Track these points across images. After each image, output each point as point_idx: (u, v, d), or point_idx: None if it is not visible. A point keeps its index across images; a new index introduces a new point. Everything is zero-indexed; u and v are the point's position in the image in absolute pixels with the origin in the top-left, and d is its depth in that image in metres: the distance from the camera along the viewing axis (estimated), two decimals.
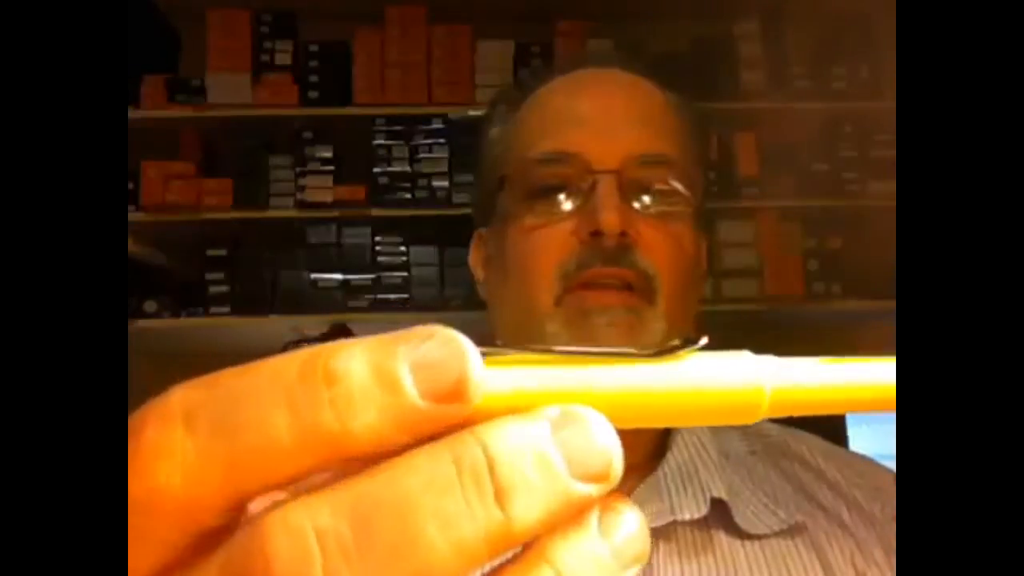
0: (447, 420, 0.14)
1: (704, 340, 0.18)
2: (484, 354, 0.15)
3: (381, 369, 0.14)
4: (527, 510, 0.14)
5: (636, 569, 0.15)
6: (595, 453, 0.15)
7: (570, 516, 0.15)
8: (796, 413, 0.19)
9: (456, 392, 0.14)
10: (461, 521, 0.14)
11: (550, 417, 0.15)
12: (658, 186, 0.55)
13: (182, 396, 0.14)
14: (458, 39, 1.82)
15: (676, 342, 0.18)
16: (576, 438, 0.15)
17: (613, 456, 0.15)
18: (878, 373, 0.19)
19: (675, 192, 0.55)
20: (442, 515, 0.13)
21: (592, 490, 0.15)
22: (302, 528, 0.13)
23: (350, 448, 0.14)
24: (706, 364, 0.18)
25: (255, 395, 0.14)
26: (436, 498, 0.14)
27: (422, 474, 0.14)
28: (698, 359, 0.18)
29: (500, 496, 0.14)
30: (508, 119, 0.62)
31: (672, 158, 0.56)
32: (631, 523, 0.15)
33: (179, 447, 0.14)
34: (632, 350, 0.18)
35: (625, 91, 0.59)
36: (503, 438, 0.14)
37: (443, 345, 0.14)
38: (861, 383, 0.19)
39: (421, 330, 0.15)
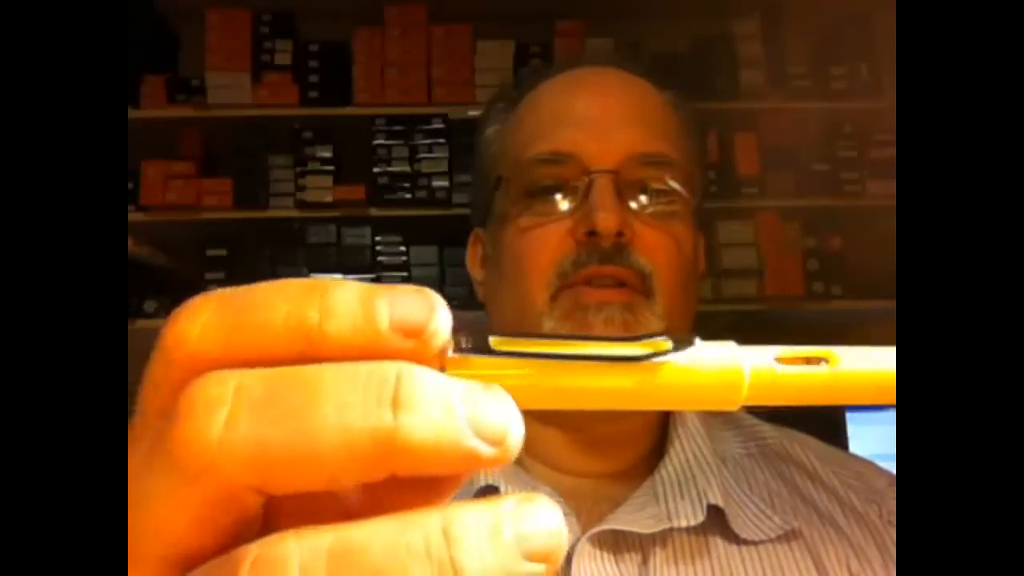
0: (404, 353, 0.17)
1: (697, 339, 0.19)
2: (489, 335, 0.17)
3: (365, 298, 0.17)
4: (415, 427, 0.16)
5: (542, 568, 0.16)
6: (496, 419, 0.16)
7: (453, 460, 0.16)
8: (778, 400, 0.19)
9: (416, 331, 0.17)
10: (355, 409, 0.16)
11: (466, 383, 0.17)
12: (655, 185, 0.55)
13: (214, 292, 0.17)
14: (458, 39, 1.82)
15: (661, 333, 0.19)
16: (486, 404, 0.16)
17: (510, 427, 0.16)
18: (864, 362, 0.19)
19: (672, 191, 0.55)
20: (340, 402, 0.16)
21: (488, 450, 0.16)
22: (226, 379, 0.16)
23: (321, 344, 0.16)
24: (688, 348, 0.18)
25: (268, 291, 0.17)
26: (341, 388, 0.16)
27: (342, 371, 0.16)
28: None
29: (395, 405, 0.16)
30: (505, 118, 0.62)
31: (669, 157, 0.56)
32: (547, 519, 0.16)
33: (201, 313, 0.17)
34: (620, 336, 0.18)
35: (622, 90, 0.59)
36: (419, 370, 0.16)
37: (420, 296, 0.17)
38: (845, 371, 0.19)
39: (410, 287, 0.17)
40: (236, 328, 0.17)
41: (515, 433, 0.16)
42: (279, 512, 0.18)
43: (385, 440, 0.15)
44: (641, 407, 0.18)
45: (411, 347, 0.17)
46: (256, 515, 0.17)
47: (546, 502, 0.16)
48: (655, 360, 0.18)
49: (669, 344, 0.18)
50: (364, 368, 0.16)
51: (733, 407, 0.19)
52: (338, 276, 1.74)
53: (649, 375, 0.18)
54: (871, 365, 0.19)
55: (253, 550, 0.15)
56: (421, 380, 0.16)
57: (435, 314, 0.17)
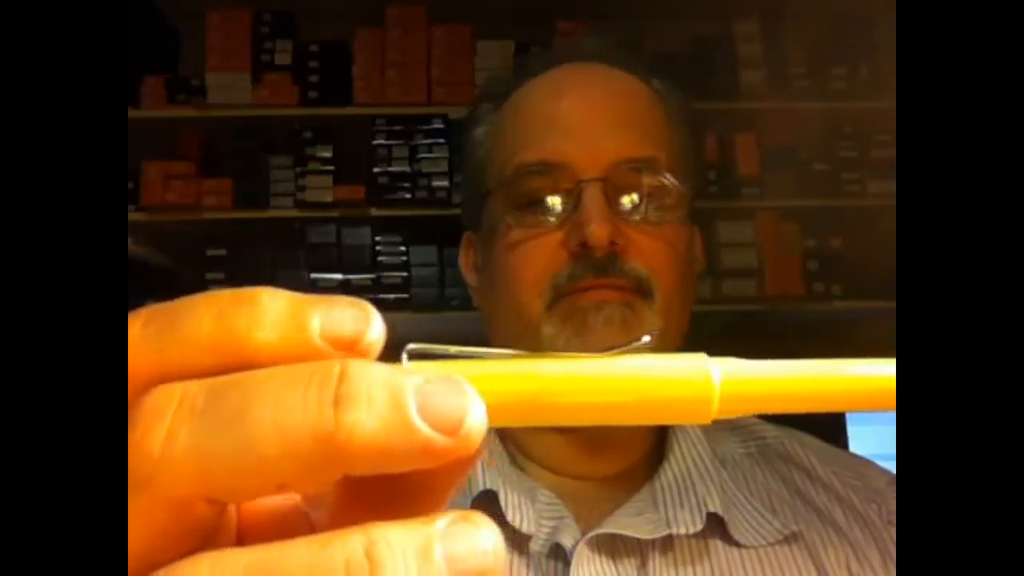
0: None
1: (647, 338, 0.19)
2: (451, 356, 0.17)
3: (296, 308, 0.16)
4: (358, 423, 0.15)
5: (446, 439, 0.15)
6: (449, 406, 0.15)
7: (406, 454, 0.15)
8: (751, 410, 0.19)
9: (348, 343, 0.16)
10: (295, 410, 0.15)
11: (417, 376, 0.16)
12: (647, 183, 0.54)
13: (143, 309, 0.17)
14: (458, 39, 1.82)
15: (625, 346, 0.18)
16: (438, 392, 0.16)
17: (467, 414, 0.16)
18: (838, 370, 0.19)
19: (664, 190, 0.54)
20: (278, 403, 0.15)
21: (444, 440, 0.15)
22: (172, 390, 0.16)
23: (250, 354, 0.16)
24: (658, 359, 0.18)
25: (196, 303, 0.17)
26: (280, 389, 0.15)
27: (283, 372, 0.16)
28: (652, 356, 0.18)
29: (338, 402, 0.15)
30: (491, 119, 0.61)
31: (659, 160, 0.55)
32: (483, 539, 0.15)
33: (131, 330, 0.17)
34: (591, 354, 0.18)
35: (607, 92, 0.57)
36: (364, 365, 0.16)
37: (354, 308, 0.17)
38: (817, 378, 0.19)
39: (346, 298, 0.17)
40: (162, 344, 0.16)
41: (473, 419, 0.16)
42: (249, 530, 0.18)
43: (327, 439, 0.15)
44: (610, 420, 0.18)
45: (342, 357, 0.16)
46: (215, 526, 0.16)
47: (483, 520, 0.16)
48: (615, 361, 0.18)
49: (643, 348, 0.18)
50: (306, 367, 0.16)
51: (705, 419, 0.18)
52: (338, 276, 1.75)
53: (612, 387, 0.18)
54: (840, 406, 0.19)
55: (161, 574, 0.15)
56: (366, 373, 0.15)
57: (370, 326, 0.16)
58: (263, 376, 0.16)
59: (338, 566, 0.15)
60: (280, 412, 0.15)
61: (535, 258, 0.54)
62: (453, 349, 0.18)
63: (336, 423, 0.15)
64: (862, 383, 0.19)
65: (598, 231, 0.51)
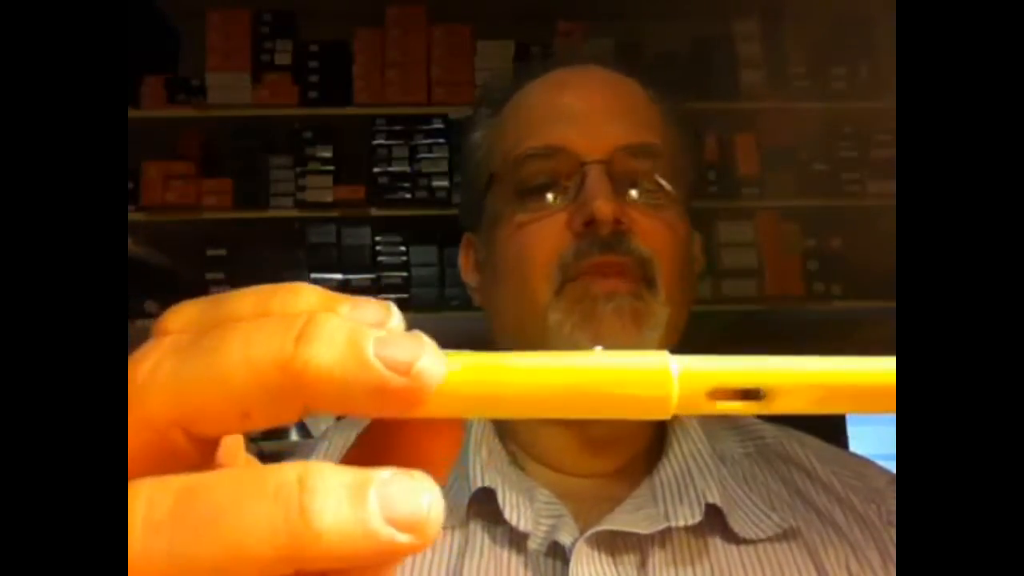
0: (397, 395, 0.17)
1: (598, 348, 0.19)
2: None
3: (327, 300, 0.18)
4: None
5: (405, 537, 0.15)
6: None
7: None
8: (712, 409, 0.19)
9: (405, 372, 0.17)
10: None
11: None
12: (645, 181, 0.55)
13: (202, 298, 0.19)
14: (458, 39, 1.82)
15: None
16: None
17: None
18: (804, 366, 0.19)
19: (664, 176, 0.56)
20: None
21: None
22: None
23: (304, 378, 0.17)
24: (619, 354, 0.18)
25: (241, 291, 0.18)
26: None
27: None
28: (614, 351, 0.18)
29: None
30: (491, 122, 0.62)
31: (657, 147, 0.56)
32: (420, 494, 0.16)
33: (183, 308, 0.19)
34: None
35: (607, 85, 0.59)
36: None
37: (379, 304, 0.18)
38: (780, 375, 0.19)
39: (373, 299, 0.18)
40: (205, 319, 0.18)
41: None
42: None
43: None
44: (567, 413, 0.18)
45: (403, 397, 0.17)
46: (193, 465, 0.17)
47: (425, 478, 0.16)
48: (578, 354, 0.18)
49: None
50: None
51: (664, 414, 0.18)
52: (338, 276, 1.75)
53: (571, 379, 0.18)
54: (808, 407, 0.18)
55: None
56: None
57: (391, 318, 0.18)
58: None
59: (268, 489, 0.15)
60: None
61: (541, 239, 0.54)
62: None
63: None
64: (825, 380, 0.19)
65: (604, 206, 0.52)
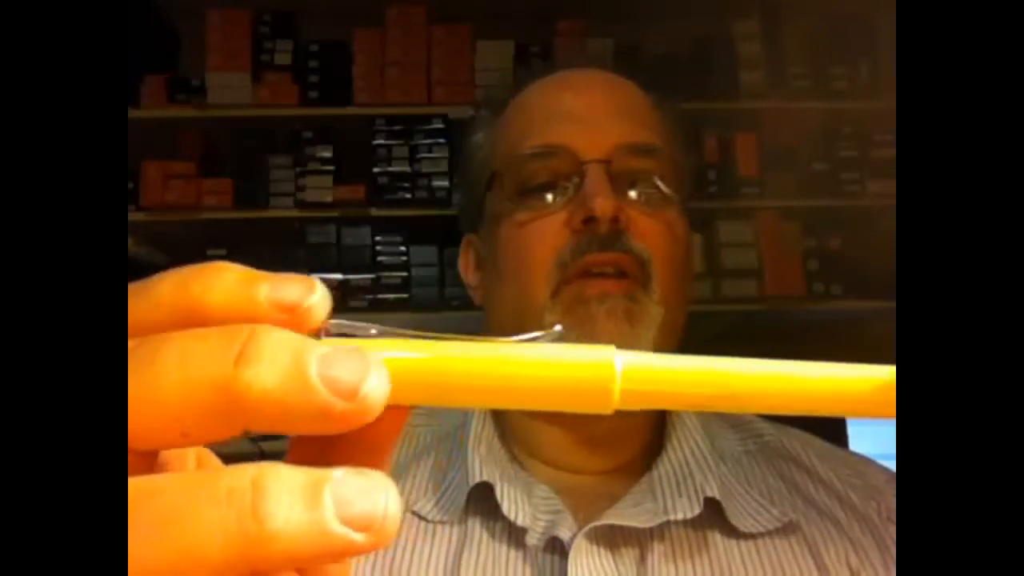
0: (279, 324, 0.17)
1: (559, 327, 0.19)
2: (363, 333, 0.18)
3: (247, 278, 0.17)
4: (256, 377, 0.16)
5: (360, 536, 0.15)
6: (349, 371, 0.16)
7: (304, 414, 0.16)
8: (656, 404, 0.19)
9: (292, 307, 0.17)
10: (199, 361, 0.16)
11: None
12: (644, 181, 0.56)
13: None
14: (458, 39, 1.82)
15: (540, 333, 0.19)
16: (340, 358, 0.16)
17: (365, 380, 0.16)
18: (751, 370, 0.19)
19: (663, 177, 0.56)
20: (185, 353, 0.16)
21: (341, 404, 0.16)
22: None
23: (203, 314, 0.17)
24: (566, 347, 0.18)
25: (164, 274, 0.18)
26: (189, 342, 0.16)
27: (197, 331, 0.17)
28: (561, 345, 0.18)
29: (240, 357, 0.16)
30: (492, 123, 0.62)
31: (657, 146, 0.57)
32: (374, 493, 0.16)
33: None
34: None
35: (607, 86, 0.60)
36: (273, 330, 0.16)
37: (301, 281, 0.17)
38: (726, 376, 0.19)
39: (297, 275, 0.18)
40: (132, 304, 0.18)
41: (371, 384, 0.16)
42: None
43: (224, 388, 0.15)
44: (510, 404, 0.18)
45: (285, 319, 0.17)
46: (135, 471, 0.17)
47: (380, 476, 0.16)
48: (523, 346, 0.18)
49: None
50: (219, 328, 0.16)
51: (607, 408, 0.18)
52: (338, 276, 1.75)
53: (514, 371, 0.18)
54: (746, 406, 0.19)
55: None
56: (272, 335, 0.16)
57: (312, 293, 0.17)
58: (180, 333, 0.16)
59: (221, 492, 0.15)
60: (185, 361, 0.16)
61: (540, 237, 0.55)
62: (375, 329, 0.18)
63: (235, 375, 0.15)
64: (773, 384, 0.19)
65: (603, 203, 0.52)
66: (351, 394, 0.16)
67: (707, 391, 0.19)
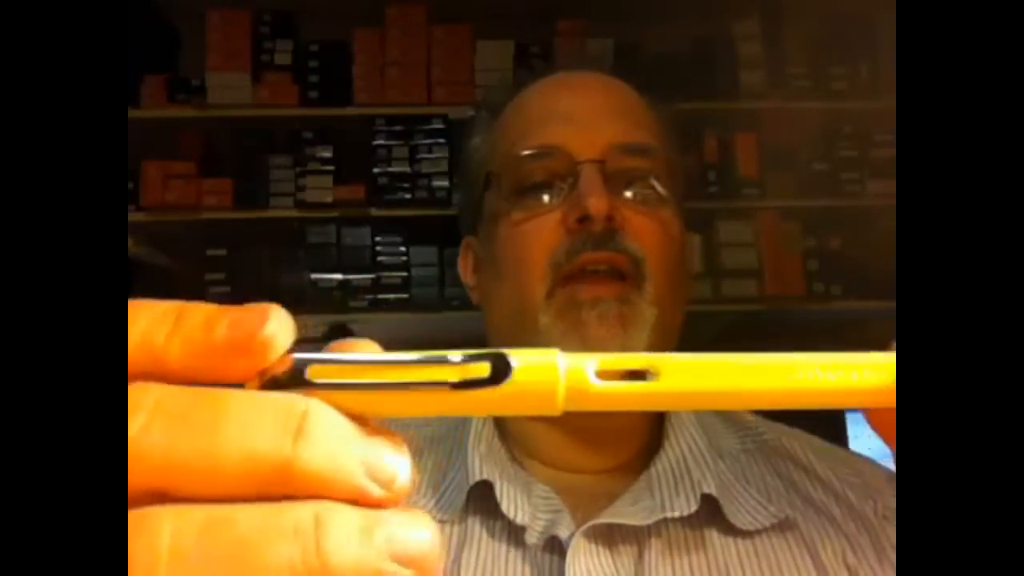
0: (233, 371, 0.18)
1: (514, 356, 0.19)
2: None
3: (207, 321, 0.18)
4: (312, 458, 0.17)
5: (409, 573, 0.17)
6: (389, 463, 0.18)
7: (346, 492, 0.17)
8: (603, 405, 0.19)
9: (245, 344, 0.18)
10: (259, 436, 0.17)
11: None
12: (639, 181, 0.56)
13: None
14: (458, 39, 1.82)
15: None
16: (376, 447, 0.18)
17: (399, 473, 0.18)
18: (692, 379, 0.19)
19: (658, 177, 0.57)
20: (246, 425, 0.17)
21: (377, 491, 0.18)
22: (149, 389, 0.17)
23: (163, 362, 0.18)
24: (511, 351, 0.19)
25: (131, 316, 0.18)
26: (249, 413, 0.17)
27: (251, 397, 0.18)
28: (506, 349, 0.19)
29: (298, 435, 0.17)
30: (489, 125, 0.63)
31: (651, 146, 0.57)
32: (421, 532, 0.18)
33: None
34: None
35: (602, 88, 0.61)
36: (326, 409, 0.18)
37: (254, 311, 0.18)
38: (670, 358, 0.19)
39: (260, 305, 0.18)
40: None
41: (404, 478, 0.18)
42: None
43: (283, 466, 0.17)
44: (469, 412, 0.19)
45: (246, 365, 0.18)
46: None
47: (424, 517, 0.18)
48: (463, 390, 0.19)
49: (487, 369, 0.18)
50: (273, 397, 0.18)
51: (554, 410, 0.19)
52: (338, 276, 1.75)
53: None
54: (698, 384, 0.19)
55: (131, 516, 0.16)
56: (325, 418, 0.18)
57: (265, 324, 0.18)
58: (235, 397, 0.17)
59: (288, 527, 0.17)
60: (247, 433, 0.17)
61: (535, 236, 0.55)
62: (347, 357, 0.19)
63: (293, 454, 0.17)
64: (716, 382, 0.19)
65: (597, 202, 0.53)
66: (388, 484, 0.18)
67: (654, 393, 0.19)
